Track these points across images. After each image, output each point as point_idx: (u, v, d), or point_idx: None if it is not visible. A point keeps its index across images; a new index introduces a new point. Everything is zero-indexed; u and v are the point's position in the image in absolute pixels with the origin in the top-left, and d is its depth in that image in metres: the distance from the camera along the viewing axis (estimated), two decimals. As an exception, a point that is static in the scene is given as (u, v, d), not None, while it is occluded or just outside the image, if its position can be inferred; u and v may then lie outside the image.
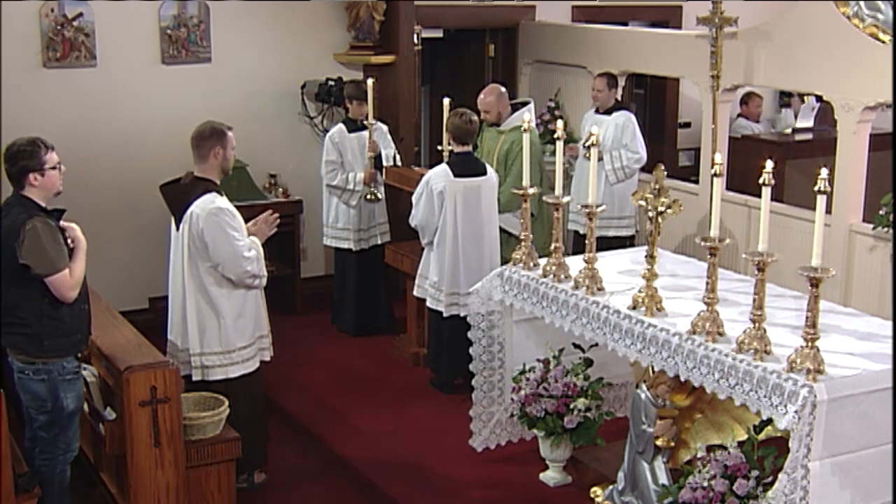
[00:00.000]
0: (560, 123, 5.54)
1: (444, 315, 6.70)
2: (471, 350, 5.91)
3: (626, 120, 8.07)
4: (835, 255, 7.01)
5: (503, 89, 7.63)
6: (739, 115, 10.15)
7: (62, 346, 4.81)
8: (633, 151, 8.04)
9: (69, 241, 4.79)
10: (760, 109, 10.29)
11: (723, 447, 4.74)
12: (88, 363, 5.28)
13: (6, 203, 4.81)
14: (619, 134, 8.02)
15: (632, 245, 7.99)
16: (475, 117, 6.82)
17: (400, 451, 6.18)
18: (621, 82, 9.10)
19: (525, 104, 7.62)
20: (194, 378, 5.39)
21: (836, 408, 4.06)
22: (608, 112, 8.12)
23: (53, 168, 4.78)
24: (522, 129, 5.74)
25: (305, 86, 8.67)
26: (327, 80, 8.56)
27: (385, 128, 8.04)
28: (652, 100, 10.74)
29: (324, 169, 7.81)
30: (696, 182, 8.49)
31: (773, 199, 4.89)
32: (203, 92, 8.25)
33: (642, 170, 8.83)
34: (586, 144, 7.95)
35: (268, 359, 5.66)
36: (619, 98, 8.57)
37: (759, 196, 4.29)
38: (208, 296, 5.33)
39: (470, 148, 6.73)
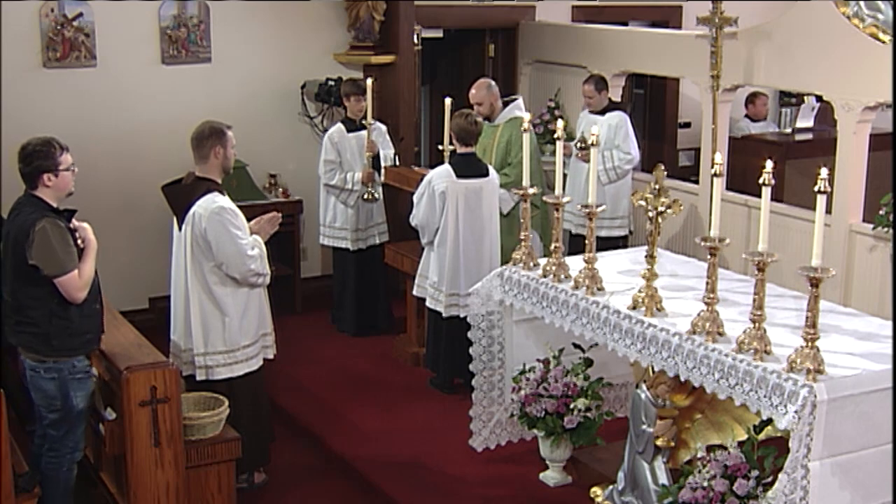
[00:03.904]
0: (560, 123, 5.55)
1: (444, 315, 6.70)
2: (471, 350, 5.91)
3: (619, 121, 8.06)
4: (835, 255, 7.02)
5: (492, 82, 7.68)
6: (746, 116, 10.15)
7: (71, 345, 4.82)
8: (625, 152, 8.03)
9: (80, 241, 4.81)
10: (767, 109, 10.29)
11: (723, 447, 4.74)
12: (89, 363, 5.28)
13: (17, 203, 4.84)
14: (612, 134, 8.01)
15: (624, 246, 8.00)
16: (480, 119, 6.84)
17: (400, 451, 6.18)
18: (621, 82, 9.13)
19: (514, 100, 7.69)
20: (198, 378, 5.40)
21: (836, 408, 4.06)
22: (602, 112, 8.12)
23: (67, 169, 4.80)
24: (522, 128, 5.75)
25: (305, 86, 8.67)
26: (327, 80, 8.56)
27: (384, 128, 8.04)
28: (652, 100, 10.74)
29: (322, 168, 7.81)
30: (696, 182, 8.50)
31: (773, 199, 4.90)
32: (203, 92, 8.26)
33: (641, 170, 8.84)
34: (581, 146, 8.02)
35: (271, 356, 5.68)
36: (614, 98, 8.57)
37: (759, 196, 4.29)
38: (212, 295, 5.34)
39: (473, 149, 6.73)
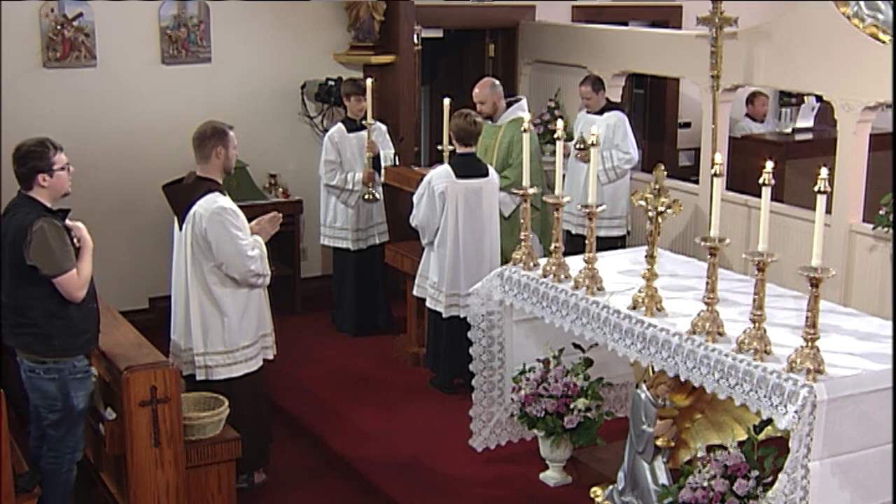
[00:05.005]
0: (560, 123, 5.55)
1: (444, 315, 6.70)
2: (471, 350, 5.91)
3: (617, 120, 8.06)
4: (835, 255, 7.02)
5: (496, 81, 7.67)
6: (746, 115, 10.15)
7: (72, 345, 4.82)
8: (624, 152, 8.03)
9: (75, 240, 4.81)
10: (766, 108, 10.30)
11: (723, 447, 4.74)
12: (88, 363, 5.28)
13: (12, 203, 4.83)
14: (611, 134, 8.01)
15: (623, 246, 8.01)
16: (479, 118, 6.83)
17: (400, 451, 6.18)
18: (621, 82, 9.13)
19: (518, 100, 7.69)
20: (198, 378, 5.40)
21: (836, 408, 4.06)
22: (600, 112, 8.12)
23: (62, 169, 4.79)
24: (522, 128, 5.75)
25: (305, 86, 8.67)
26: (327, 80, 8.57)
27: (384, 128, 8.04)
28: (652, 100, 10.74)
29: (322, 168, 7.81)
30: (696, 182, 8.50)
31: (773, 199, 4.90)
32: (203, 92, 8.26)
33: (641, 170, 8.84)
34: (580, 146, 8.02)
35: (271, 357, 5.68)
36: (613, 98, 8.58)
37: (759, 196, 4.29)
38: (212, 295, 5.34)
39: (473, 149, 6.72)
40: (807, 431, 4.03)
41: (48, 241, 4.64)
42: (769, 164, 4.23)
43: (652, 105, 10.77)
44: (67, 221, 4.84)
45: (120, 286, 7.83)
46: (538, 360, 5.78)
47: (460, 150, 6.70)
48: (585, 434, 5.59)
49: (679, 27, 10.27)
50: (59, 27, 7.71)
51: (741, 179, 7.93)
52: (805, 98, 10.19)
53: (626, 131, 8.07)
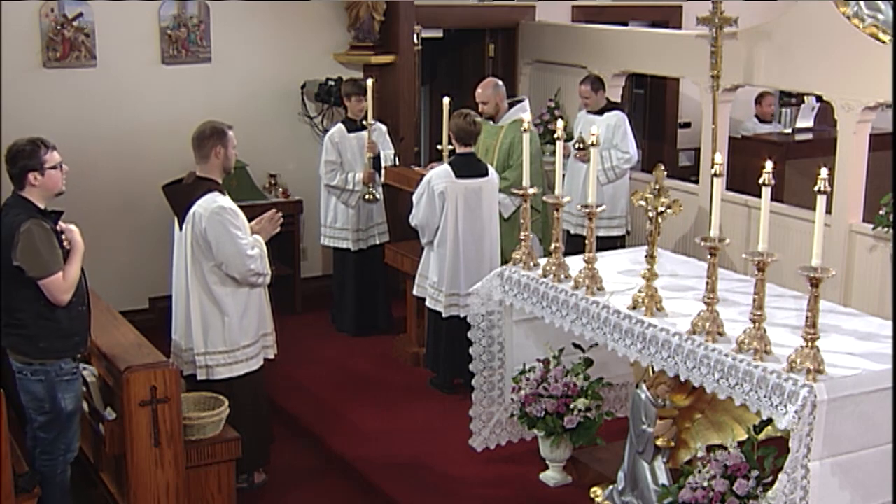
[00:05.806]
0: (560, 123, 5.55)
1: (444, 315, 6.70)
2: (471, 350, 5.91)
3: (617, 120, 8.06)
4: (835, 255, 7.02)
5: (500, 82, 7.67)
6: (756, 116, 10.15)
7: (59, 347, 4.80)
8: (624, 151, 8.03)
9: (66, 243, 4.78)
10: (773, 108, 10.30)
11: (723, 447, 4.74)
12: (88, 363, 5.28)
13: (5, 204, 4.82)
14: (611, 134, 8.01)
15: (623, 246, 8.00)
16: (479, 118, 6.82)
17: (400, 451, 6.18)
18: (621, 82, 9.13)
19: (520, 101, 7.68)
20: (199, 378, 5.40)
21: (836, 408, 4.06)
22: (600, 112, 8.12)
23: (54, 168, 4.77)
24: (522, 129, 5.75)
25: (305, 86, 8.67)
26: (327, 80, 8.57)
27: (384, 128, 8.04)
28: (652, 100, 10.75)
29: (323, 169, 7.81)
30: (696, 182, 8.50)
31: (773, 199, 4.90)
32: (203, 92, 8.26)
33: (641, 170, 8.83)
34: (579, 146, 8.02)
35: (272, 356, 5.68)
36: (613, 98, 8.57)
37: (759, 196, 4.29)
38: (212, 295, 5.34)
39: (472, 149, 6.72)
40: (807, 431, 4.03)
41: (34, 243, 4.62)
42: (769, 164, 4.23)
43: (652, 105, 10.77)
44: (61, 223, 4.82)
45: (120, 286, 7.83)
46: (538, 360, 5.78)
47: (460, 149, 6.70)
48: (585, 434, 5.59)
49: (679, 27, 10.27)
50: (59, 27, 7.71)
51: (741, 179, 7.93)
52: (805, 98, 10.18)
53: (626, 131, 8.07)
